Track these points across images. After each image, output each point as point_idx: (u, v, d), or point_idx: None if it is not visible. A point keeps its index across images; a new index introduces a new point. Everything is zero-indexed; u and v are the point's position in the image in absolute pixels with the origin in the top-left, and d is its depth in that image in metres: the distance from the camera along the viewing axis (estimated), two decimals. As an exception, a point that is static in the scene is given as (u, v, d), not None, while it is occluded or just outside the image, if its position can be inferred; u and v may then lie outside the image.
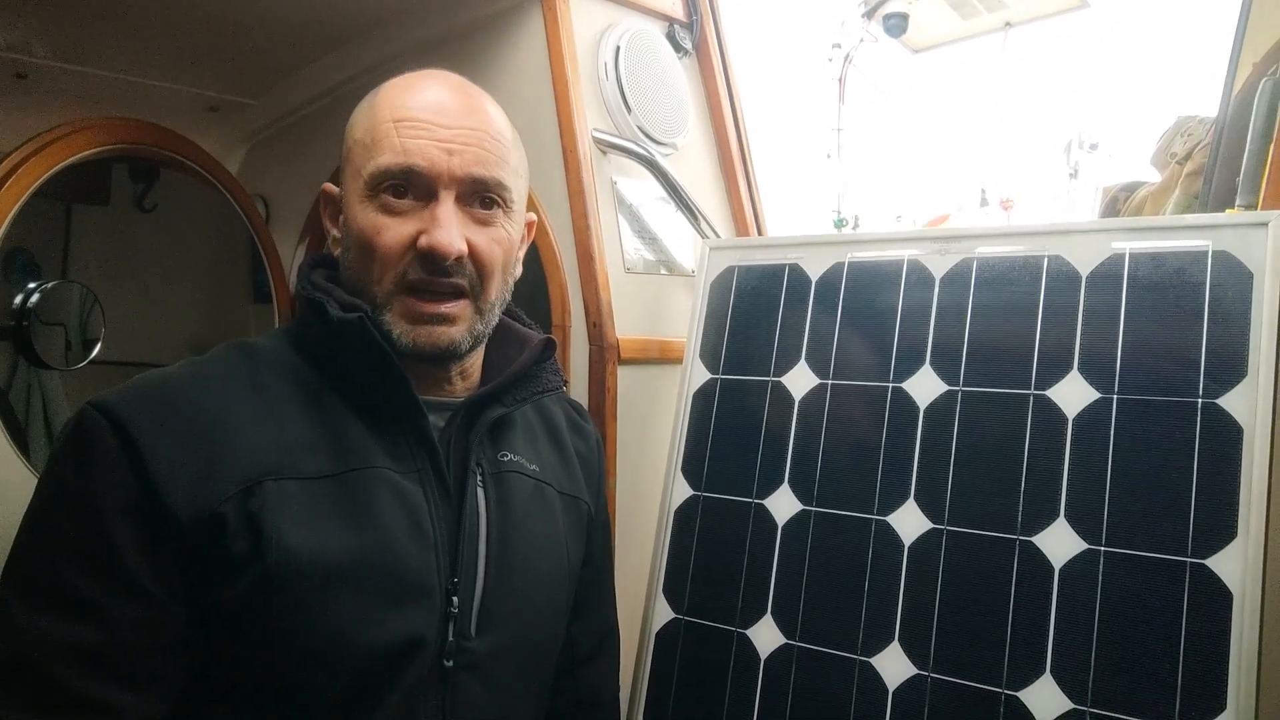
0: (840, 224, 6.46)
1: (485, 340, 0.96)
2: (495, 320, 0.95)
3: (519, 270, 1.00)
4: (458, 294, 0.88)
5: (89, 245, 1.81)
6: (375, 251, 0.86)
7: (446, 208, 0.86)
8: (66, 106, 1.88)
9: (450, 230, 0.85)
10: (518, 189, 0.93)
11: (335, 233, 0.93)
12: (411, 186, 0.86)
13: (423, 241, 0.85)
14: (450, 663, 0.85)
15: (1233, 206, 1.14)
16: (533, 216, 1.01)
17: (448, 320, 0.88)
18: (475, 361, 0.98)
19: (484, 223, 0.89)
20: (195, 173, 1.65)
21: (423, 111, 0.87)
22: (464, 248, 0.86)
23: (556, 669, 1.03)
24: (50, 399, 1.53)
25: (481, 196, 0.89)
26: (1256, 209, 1.09)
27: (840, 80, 6.70)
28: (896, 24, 6.58)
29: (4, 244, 1.25)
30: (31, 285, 1.41)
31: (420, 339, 0.87)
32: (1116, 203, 1.84)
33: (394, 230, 0.86)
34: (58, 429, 1.51)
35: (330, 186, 0.94)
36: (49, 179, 1.32)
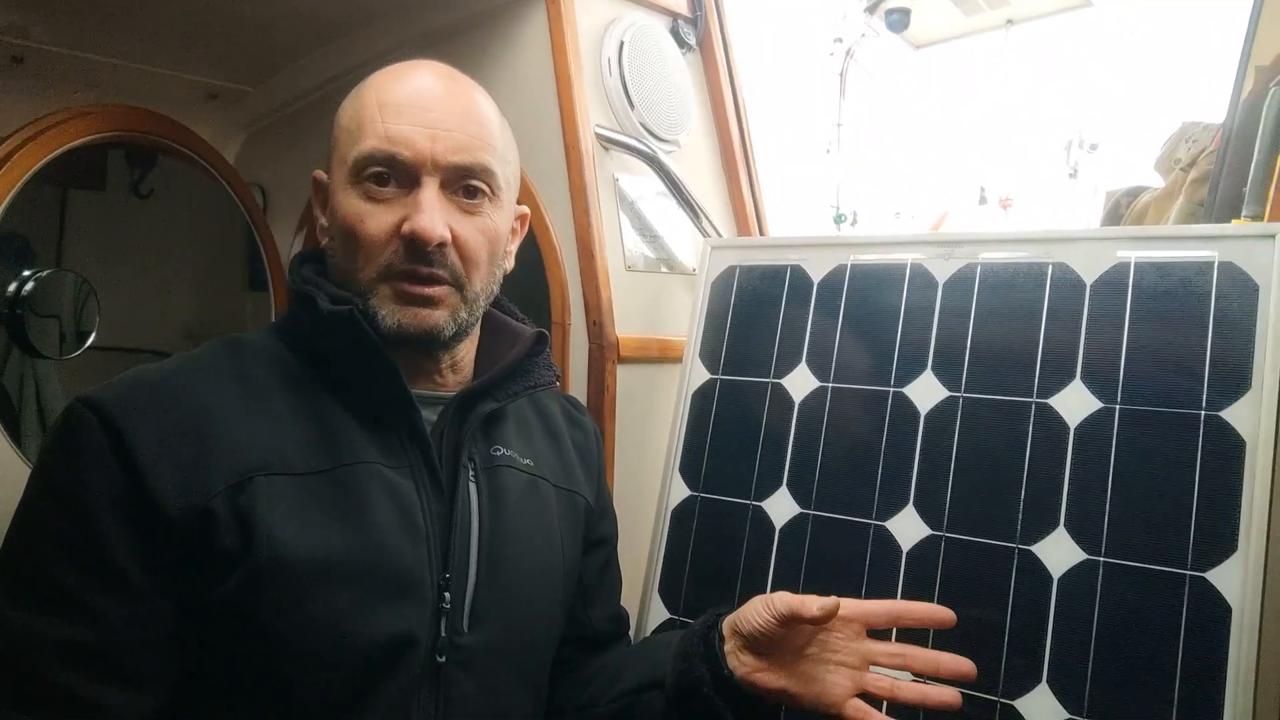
0: (839, 219, 6.45)
1: (470, 332, 0.95)
2: (481, 312, 0.94)
3: (510, 264, 0.99)
4: (441, 281, 0.88)
5: (84, 231, 1.80)
6: (358, 239, 0.86)
7: (429, 194, 0.85)
8: (64, 92, 1.86)
9: (433, 216, 0.84)
10: (505, 176, 0.92)
11: (323, 220, 0.93)
12: (395, 173, 0.86)
13: (405, 228, 0.84)
14: (443, 659, 0.85)
15: (1239, 216, 1.14)
16: (525, 210, 1.01)
17: (432, 303, 0.87)
18: (466, 355, 0.98)
19: (469, 211, 0.89)
20: (193, 160, 1.64)
21: (407, 98, 0.87)
22: (447, 235, 0.85)
23: (580, 653, 1.05)
24: (44, 387, 1.52)
25: (466, 184, 0.88)
26: (1263, 219, 1.08)
27: (841, 75, 6.68)
28: (899, 19, 6.56)
29: (-2, 230, 1.24)
30: (26, 274, 1.40)
31: (405, 320, 0.86)
32: (1119, 207, 1.83)
33: (377, 218, 0.85)
34: (51, 418, 1.50)
35: (321, 174, 0.93)
36: (45, 165, 1.31)
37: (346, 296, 0.86)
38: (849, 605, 0.90)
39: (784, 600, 0.88)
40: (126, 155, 1.87)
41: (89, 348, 1.56)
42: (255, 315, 2.03)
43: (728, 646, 0.93)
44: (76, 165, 1.64)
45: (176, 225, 1.95)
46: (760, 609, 0.90)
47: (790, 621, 0.87)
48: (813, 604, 0.86)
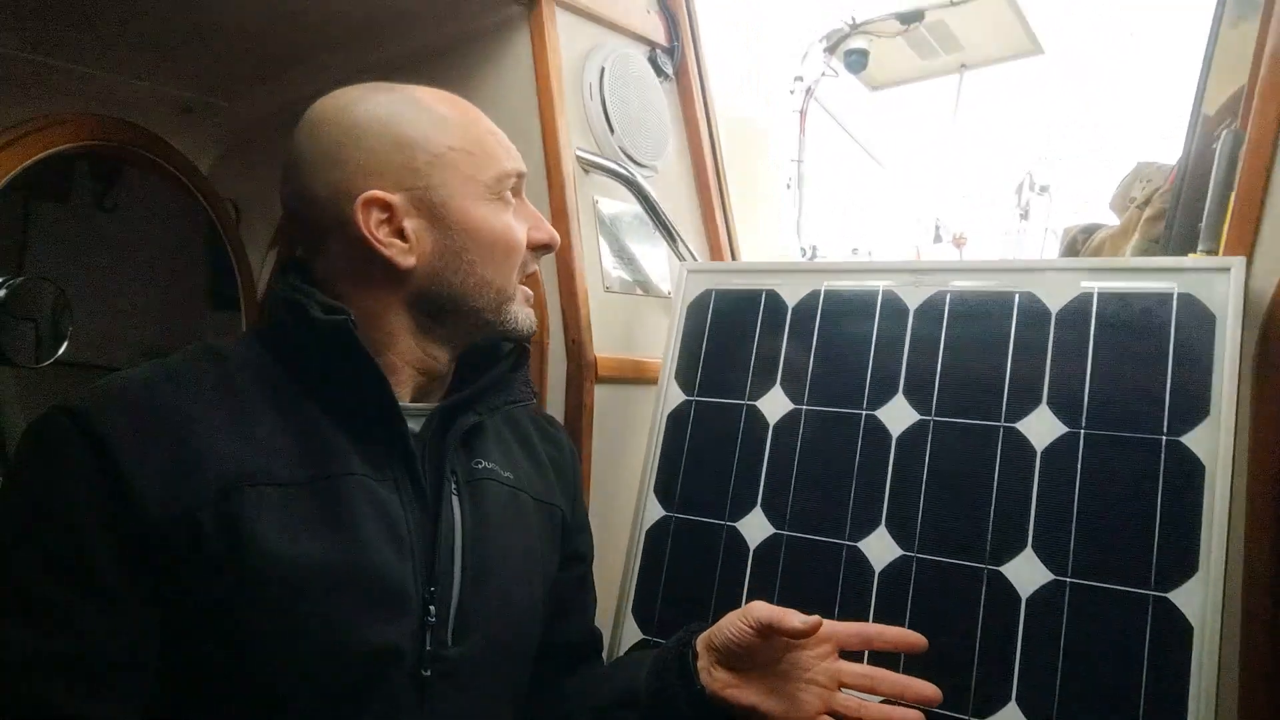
0: (801, 253, 6.54)
1: None
2: None
3: None
4: None
5: (45, 243, 1.77)
6: (514, 247, 0.94)
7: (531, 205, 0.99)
8: (37, 101, 1.83)
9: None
10: None
11: (400, 242, 0.89)
12: (513, 189, 0.95)
13: (543, 236, 0.98)
14: (428, 672, 0.84)
15: (1194, 251, 1.19)
16: None
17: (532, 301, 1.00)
18: (451, 366, 0.99)
19: None
20: (164, 173, 1.63)
21: (490, 124, 0.96)
22: None
23: (554, 670, 1.04)
24: (3, 397, 1.49)
25: None
26: (1218, 254, 1.13)
27: (801, 112, 6.79)
28: (857, 60, 6.70)
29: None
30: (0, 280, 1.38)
31: (532, 320, 0.98)
32: (1076, 244, 1.89)
33: (519, 228, 0.95)
34: (9, 431, 1.47)
35: (381, 194, 0.87)
36: (19, 174, 1.29)
37: (339, 306, 0.86)
38: (823, 626, 0.91)
39: (763, 610, 0.89)
40: (91, 167, 1.84)
41: (55, 361, 1.53)
42: (215, 336, 1.99)
43: (701, 662, 0.94)
44: (40, 176, 1.62)
45: (141, 239, 1.92)
46: (735, 620, 0.91)
47: (768, 632, 0.89)
48: (794, 619, 0.87)
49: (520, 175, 0.96)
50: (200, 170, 1.73)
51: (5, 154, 1.28)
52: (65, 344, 1.46)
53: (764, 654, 0.92)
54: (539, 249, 0.98)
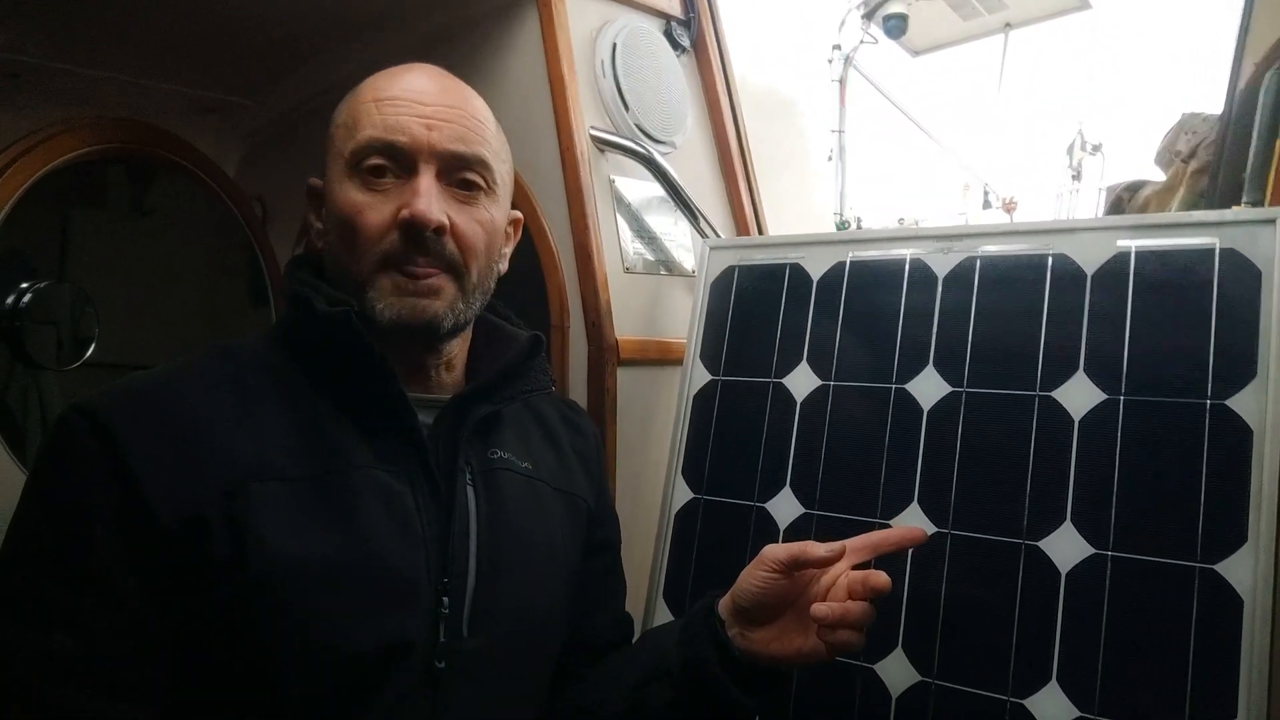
0: (843, 226, 6.45)
1: (466, 328, 0.95)
2: (478, 308, 0.94)
3: (504, 266, 0.99)
4: (439, 271, 0.87)
5: (85, 248, 1.80)
6: (357, 229, 0.85)
7: (426, 181, 0.85)
8: (61, 106, 1.86)
9: (430, 201, 0.84)
10: (500, 173, 0.93)
11: (318, 224, 0.92)
12: (392, 163, 0.86)
13: (404, 213, 0.84)
14: (441, 664, 0.84)
15: (1239, 203, 1.13)
16: (519, 214, 1.01)
17: (431, 293, 0.87)
18: (459, 355, 0.97)
19: (465, 202, 0.89)
20: (190, 174, 1.64)
21: (403, 92, 0.87)
22: (444, 220, 0.85)
23: (584, 661, 1.03)
24: (46, 400, 1.52)
25: (463, 177, 0.88)
26: (1263, 205, 1.07)
27: (840, 82, 6.67)
28: (896, 25, 6.56)
29: (-4, 245, 1.24)
30: (24, 285, 1.41)
31: (405, 311, 0.86)
32: (1121, 202, 1.82)
33: (375, 208, 0.85)
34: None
35: (316, 180, 0.92)
36: (40, 179, 1.30)
37: (343, 298, 0.85)
38: (835, 549, 0.90)
39: (780, 550, 0.89)
40: (128, 172, 1.87)
41: (92, 364, 1.56)
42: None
43: (731, 630, 0.92)
44: (76, 182, 1.64)
45: (178, 242, 1.95)
46: (755, 572, 0.90)
47: (793, 569, 0.88)
48: (817, 548, 0.88)
49: (391, 147, 0.85)
50: (223, 169, 1.74)
51: (26, 160, 1.29)
52: (92, 346, 1.48)
53: (789, 595, 0.91)
54: (404, 229, 0.85)
